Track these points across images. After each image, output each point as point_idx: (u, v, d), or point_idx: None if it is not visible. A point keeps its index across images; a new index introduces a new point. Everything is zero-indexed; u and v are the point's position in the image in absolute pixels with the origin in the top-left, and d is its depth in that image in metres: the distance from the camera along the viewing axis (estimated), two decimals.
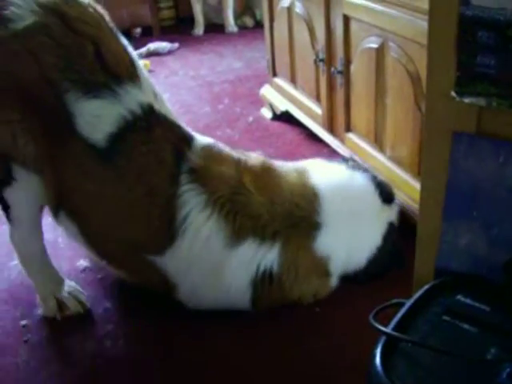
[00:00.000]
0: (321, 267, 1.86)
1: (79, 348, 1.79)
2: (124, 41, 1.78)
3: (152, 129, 1.72)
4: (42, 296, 1.90)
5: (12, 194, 1.74)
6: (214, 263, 1.76)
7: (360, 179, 1.96)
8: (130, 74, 1.72)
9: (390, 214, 1.99)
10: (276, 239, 1.77)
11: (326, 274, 1.88)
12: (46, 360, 1.74)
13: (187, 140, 1.80)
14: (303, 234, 1.82)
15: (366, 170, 2.03)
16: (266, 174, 1.85)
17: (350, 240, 1.88)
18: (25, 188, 1.73)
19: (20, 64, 1.61)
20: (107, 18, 1.76)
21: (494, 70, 1.04)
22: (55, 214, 1.81)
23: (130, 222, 1.75)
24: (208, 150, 1.81)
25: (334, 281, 1.92)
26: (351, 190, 1.93)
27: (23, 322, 1.89)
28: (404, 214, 2.06)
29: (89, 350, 1.78)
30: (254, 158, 1.89)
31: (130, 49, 1.79)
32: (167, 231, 1.73)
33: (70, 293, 1.92)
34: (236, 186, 1.77)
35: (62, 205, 1.77)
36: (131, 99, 1.70)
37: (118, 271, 1.92)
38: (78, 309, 1.90)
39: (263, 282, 1.79)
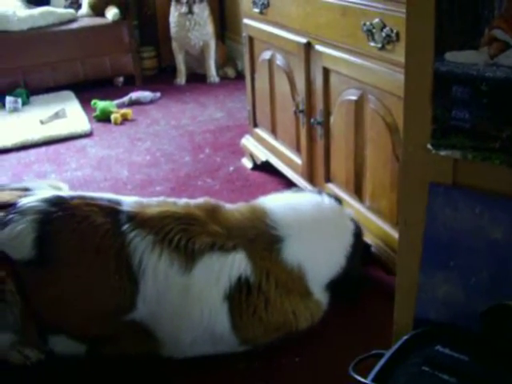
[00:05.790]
0: (298, 282, 1.86)
1: None
2: None
3: (68, 209, 1.81)
4: (4, 354, 1.87)
5: None
6: (180, 293, 1.75)
7: (306, 195, 2.06)
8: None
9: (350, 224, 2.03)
10: (238, 250, 1.79)
11: (307, 291, 1.88)
12: None
13: (114, 199, 1.88)
14: (265, 247, 1.83)
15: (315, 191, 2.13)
16: (216, 209, 1.91)
17: (314, 249, 1.90)
18: None
19: None
20: None
21: (469, 123, 1.07)
22: (45, 341, 1.84)
23: (96, 293, 1.77)
24: (139, 202, 1.89)
25: (321, 297, 1.93)
26: (299, 204, 1.99)
27: None
28: (384, 265, 2.07)
29: None
30: (202, 199, 1.95)
31: None
32: (129, 280, 1.75)
33: None
34: (187, 222, 1.81)
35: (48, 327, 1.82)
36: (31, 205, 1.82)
37: (110, 350, 1.86)
38: (39, 356, 1.87)
39: (241, 291, 1.77)
